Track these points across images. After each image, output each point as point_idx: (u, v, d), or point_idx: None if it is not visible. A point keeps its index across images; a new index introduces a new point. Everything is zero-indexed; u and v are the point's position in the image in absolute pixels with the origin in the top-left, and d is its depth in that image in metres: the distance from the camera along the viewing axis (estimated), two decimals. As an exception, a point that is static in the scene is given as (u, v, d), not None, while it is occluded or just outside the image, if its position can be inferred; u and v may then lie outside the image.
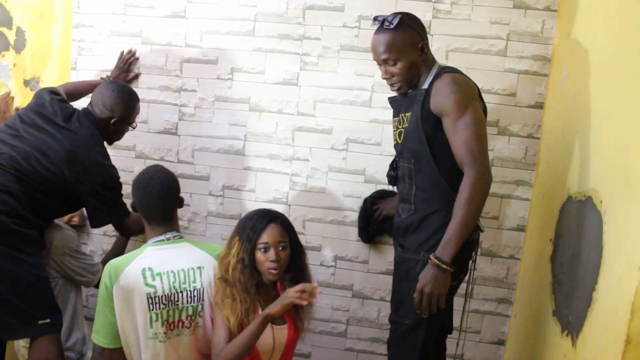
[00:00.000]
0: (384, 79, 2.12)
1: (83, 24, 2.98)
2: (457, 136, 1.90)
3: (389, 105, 2.45)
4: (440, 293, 1.89)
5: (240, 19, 2.82)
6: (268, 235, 2.00)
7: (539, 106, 2.61)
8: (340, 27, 2.74)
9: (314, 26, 2.76)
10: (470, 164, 1.87)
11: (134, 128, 2.61)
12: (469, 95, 1.95)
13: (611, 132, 1.73)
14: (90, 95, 2.54)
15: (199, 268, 2.13)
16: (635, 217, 1.47)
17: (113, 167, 2.44)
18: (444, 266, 1.86)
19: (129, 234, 2.64)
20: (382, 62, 2.07)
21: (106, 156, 2.44)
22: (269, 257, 1.98)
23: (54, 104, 2.38)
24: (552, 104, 2.50)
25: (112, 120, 2.46)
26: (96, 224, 2.49)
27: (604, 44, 1.92)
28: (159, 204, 2.16)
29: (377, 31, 2.06)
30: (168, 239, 2.15)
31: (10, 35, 2.66)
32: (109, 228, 3.04)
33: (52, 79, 2.91)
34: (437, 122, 1.98)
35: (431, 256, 1.89)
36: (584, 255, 1.82)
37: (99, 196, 2.39)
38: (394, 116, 2.25)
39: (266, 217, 2.03)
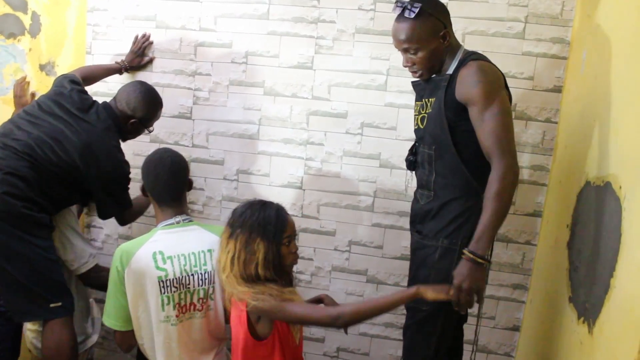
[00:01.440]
0: (405, 66, 2.08)
1: (97, 7, 2.97)
2: (485, 126, 1.87)
3: (404, 89, 2.44)
4: (479, 287, 1.85)
5: (255, 1, 2.79)
6: (289, 226, 1.93)
7: (558, 90, 2.56)
8: (355, 10, 2.70)
9: (329, 9, 2.73)
10: (499, 155, 1.84)
11: (149, 132, 2.64)
12: (496, 85, 1.91)
13: (632, 116, 1.70)
14: (117, 91, 2.54)
15: (209, 251, 2.14)
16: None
17: (127, 162, 2.46)
18: (479, 260, 1.82)
19: (127, 222, 2.67)
20: (403, 51, 2.04)
21: (120, 151, 2.45)
22: (291, 249, 1.93)
23: (73, 94, 2.38)
24: (571, 88, 2.45)
25: (132, 120, 2.49)
26: (104, 216, 2.52)
27: (627, 26, 1.87)
28: (170, 183, 2.17)
29: (398, 18, 2.01)
30: (178, 222, 2.15)
31: (26, 20, 2.65)
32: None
33: (67, 64, 2.91)
34: (461, 110, 1.95)
35: (465, 251, 1.85)
36: (602, 241, 1.79)
37: (109, 190, 2.42)
38: (416, 100, 2.22)
39: (279, 210, 1.95)
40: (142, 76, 2.94)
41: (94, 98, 2.50)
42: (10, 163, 2.18)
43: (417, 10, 1.94)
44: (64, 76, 2.49)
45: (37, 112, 2.33)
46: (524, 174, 2.62)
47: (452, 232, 1.98)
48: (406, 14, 1.96)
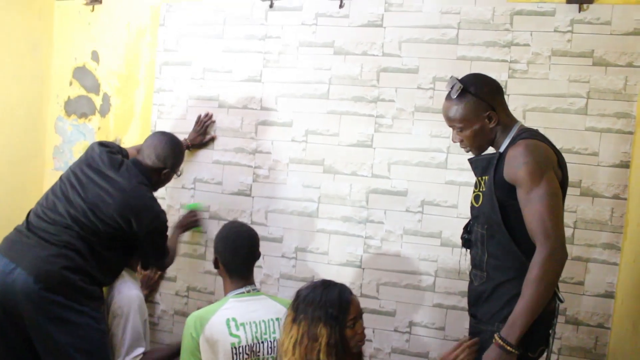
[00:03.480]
0: (454, 142, 2.11)
1: (163, 88, 3.11)
2: (530, 208, 1.82)
3: (464, 166, 2.41)
4: None
5: (315, 82, 2.87)
6: (354, 307, 1.88)
7: (625, 165, 2.50)
8: (414, 89, 2.74)
9: (389, 88, 2.78)
10: (543, 239, 1.78)
11: (179, 176, 2.75)
12: (543, 165, 1.86)
13: None
14: (142, 146, 2.61)
15: (278, 319, 2.17)
16: None
17: (163, 212, 2.51)
18: (508, 347, 1.76)
19: (166, 266, 2.78)
20: (451, 128, 2.07)
21: (156, 201, 2.50)
22: (357, 330, 1.87)
23: (103, 156, 2.44)
24: (639, 162, 2.39)
25: (164, 171, 2.56)
26: (146, 266, 2.64)
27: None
28: (247, 257, 2.25)
29: (447, 97, 2.04)
30: (248, 292, 2.23)
31: (97, 101, 2.80)
32: (181, 288, 3.07)
33: (133, 140, 3.02)
34: (510, 190, 1.90)
35: (495, 336, 1.79)
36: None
37: (152, 240, 2.46)
38: (476, 176, 2.19)
39: (343, 291, 1.91)
40: (204, 154, 3.04)
41: None
42: (63, 237, 2.26)
43: (457, 93, 1.97)
44: (94, 142, 2.56)
45: (73, 180, 2.39)
46: (593, 253, 2.53)
47: (507, 315, 1.89)
48: (451, 94, 1.99)
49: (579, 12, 2.57)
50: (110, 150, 2.50)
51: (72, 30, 3.04)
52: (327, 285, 1.90)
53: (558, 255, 1.78)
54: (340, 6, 2.85)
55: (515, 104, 2.60)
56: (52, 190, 2.42)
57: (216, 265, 2.31)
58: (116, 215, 2.32)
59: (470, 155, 2.18)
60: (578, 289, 2.55)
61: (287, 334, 1.85)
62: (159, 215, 2.47)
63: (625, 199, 2.50)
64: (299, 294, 1.92)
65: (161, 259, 2.61)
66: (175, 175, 2.68)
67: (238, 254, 2.23)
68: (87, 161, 2.44)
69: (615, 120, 2.52)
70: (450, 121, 2.04)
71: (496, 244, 1.96)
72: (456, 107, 1.99)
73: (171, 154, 2.56)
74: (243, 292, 2.21)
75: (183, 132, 3.03)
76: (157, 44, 3.13)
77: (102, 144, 2.52)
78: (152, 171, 2.53)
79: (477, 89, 1.99)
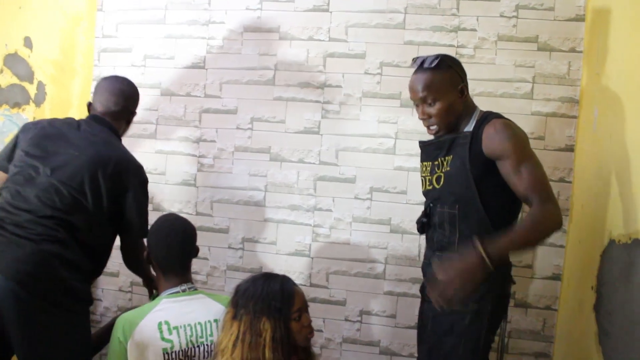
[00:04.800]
0: (421, 119, 2.02)
1: (102, 76, 2.96)
2: (523, 177, 1.80)
3: (413, 152, 2.39)
4: (470, 289, 1.69)
5: (261, 68, 2.80)
6: (298, 299, 1.77)
7: (570, 149, 2.52)
8: (361, 74, 2.71)
9: (335, 73, 2.73)
10: (544, 200, 1.76)
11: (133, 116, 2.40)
12: (526, 141, 1.91)
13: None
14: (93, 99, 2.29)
15: (216, 321, 2.00)
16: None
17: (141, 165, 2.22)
18: (487, 261, 1.68)
19: (134, 258, 2.28)
20: (420, 102, 1.99)
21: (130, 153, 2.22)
22: (303, 323, 1.76)
23: (54, 122, 2.15)
24: (583, 146, 2.41)
25: (129, 114, 2.32)
26: (129, 243, 2.25)
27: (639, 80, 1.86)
28: (181, 253, 2.06)
29: (417, 71, 2.00)
30: (184, 291, 2.02)
31: (31, 90, 2.65)
32: (124, 283, 2.96)
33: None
34: (486, 166, 1.88)
35: (477, 243, 1.70)
36: (636, 301, 1.69)
37: (136, 199, 2.15)
38: (423, 160, 2.15)
39: (285, 282, 1.80)
40: (146, 143, 2.94)
41: None
42: (39, 230, 1.94)
43: (437, 61, 1.93)
44: (25, 123, 2.22)
45: (30, 160, 2.04)
46: (541, 236, 2.54)
47: (481, 295, 1.87)
48: (426, 64, 1.95)
49: (523, -3, 2.58)
50: (52, 119, 2.21)
51: (2, 15, 2.88)
52: (268, 277, 1.80)
53: (557, 221, 1.75)
54: (285, -9, 2.79)
55: (462, 89, 2.59)
56: (11, 179, 2.04)
57: (149, 261, 2.13)
58: (89, 177, 2.01)
59: (423, 139, 2.15)
60: (527, 272, 2.57)
61: (226, 332, 1.72)
62: (140, 168, 2.19)
63: (570, 182, 2.53)
64: (238, 288, 1.79)
65: (145, 225, 2.21)
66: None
67: (171, 250, 2.04)
68: (37, 135, 2.09)
69: (559, 105, 2.55)
70: (424, 91, 1.95)
71: (470, 223, 1.93)
72: (433, 76, 1.94)
73: (132, 90, 2.32)
74: (178, 292, 2.02)
75: (124, 121, 2.93)
76: (95, 29, 3.00)
77: (36, 121, 2.19)
78: (115, 119, 2.23)
79: (452, 62, 2.00)
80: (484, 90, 2.57)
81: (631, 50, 1.98)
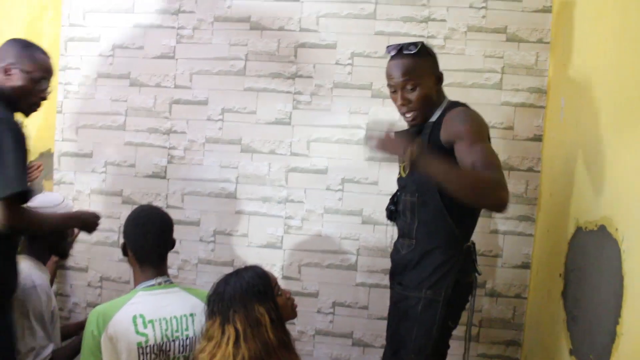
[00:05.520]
0: (400, 105, 1.99)
1: (69, 66, 2.92)
2: (475, 155, 1.77)
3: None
4: (390, 152, 1.82)
5: (232, 58, 2.77)
6: (272, 277, 1.81)
7: (538, 139, 2.55)
8: (333, 65, 2.70)
9: (306, 64, 2.72)
10: (495, 173, 1.75)
11: (48, 93, 2.14)
12: (484, 128, 1.91)
13: (622, 156, 1.67)
14: None
15: (192, 315, 1.97)
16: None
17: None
18: (414, 158, 1.72)
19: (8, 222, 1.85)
20: (400, 88, 1.96)
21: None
22: (285, 295, 1.82)
23: None
24: (551, 135, 2.44)
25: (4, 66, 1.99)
26: None
27: (604, 70, 1.88)
28: (159, 243, 2.02)
29: (396, 56, 1.98)
30: (159, 284, 1.99)
31: (-7, 79, 2.58)
32: (93, 278, 2.91)
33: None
34: (445, 155, 1.86)
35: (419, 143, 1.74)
36: (603, 287, 1.71)
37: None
38: None
39: (253, 267, 1.80)
40: (115, 135, 2.89)
41: None
42: None
43: (418, 47, 1.93)
44: None
45: None
46: (510, 226, 2.57)
47: (435, 282, 1.91)
48: (407, 50, 1.94)
49: (493, -12, 2.60)
50: None
51: (-36, 4, 2.82)
52: (235, 273, 1.78)
53: (504, 190, 1.71)
54: (256, -20, 2.76)
55: (432, 80, 2.60)
56: None
57: (125, 252, 2.07)
58: None
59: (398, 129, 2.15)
60: (496, 262, 2.59)
61: (222, 342, 1.66)
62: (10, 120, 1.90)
63: (538, 171, 2.55)
64: (212, 298, 1.74)
65: (17, 179, 1.83)
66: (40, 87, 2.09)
67: (149, 240, 2.00)
68: None
69: (528, 95, 2.57)
70: (405, 76, 1.93)
71: (428, 211, 1.96)
72: (415, 62, 1.94)
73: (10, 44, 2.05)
74: (154, 285, 1.98)
75: (93, 112, 2.89)
76: (62, 18, 2.94)
77: None
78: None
79: (430, 50, 2.02)
80: (454, 81, 2.58)
81: (595, 40, 2.01)
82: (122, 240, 2.06)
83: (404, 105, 1.97)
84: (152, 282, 1.99)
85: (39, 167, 2.45)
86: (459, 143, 1.84)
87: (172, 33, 2.84)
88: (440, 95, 2.03)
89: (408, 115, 2.00)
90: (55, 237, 2.30)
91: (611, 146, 1.77)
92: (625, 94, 1.69)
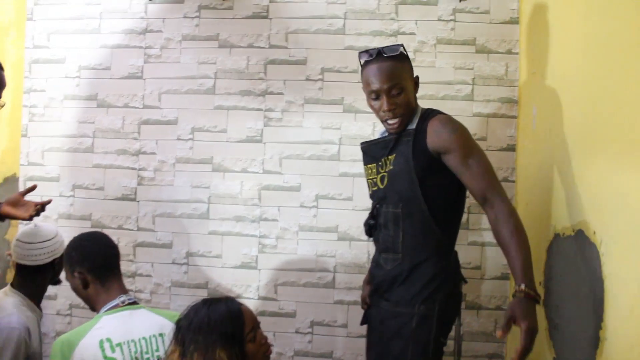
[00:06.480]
0: (386, 111, 1.88)
1: (34, 88, 2.86)
2: (473, 171, 1.79)
3: (357, 157, 2.35)
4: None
5: (200, 77, 2.73)
6: (248, 318, 1.62)
7: (511, 148, 2.55)
8: (303, 81, 2.68)
9: (277, 80, 2.69)
10: (498, 193, 1.77)
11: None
12: (471, 137, 1.89)
13: (595, 159, 1.66)
14: None
15: (161, 335, 1.90)
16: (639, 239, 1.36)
17: None
18: (537, 297, 1.66)
19: None
20: (385, 92, 1.87)
21: None
22: (260, 340, 1.63)
23: None
24: (524, 144, 2.44)
25: None
26: None
27: (571, 77, 1.89)
28: (108, 252, 1.96)
29: (377, 60, 1.89)
30: (123, 303, 1.91)
31: (-44, 104, 2.50)
32: (63, 306, 2.81)
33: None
34: (431, 162, 1.85)
35: (523, 288, 1.64)
36: (583, 292, 1.69)
37: None
38: (367, 163, 2.10)
39: (230, 303, 1.63)
40: (83, 157, 2.81)
41: None
42: None
43: (400, 49, 1.90)
44: None
45: None
46: (489, 237, 2.54)
47: (428, 296, 1.83)
48: (389, 52, 1.88)
49: (460, 1, 2.62)
50: None
51: None
52: (210, 304, 1.62)
53: (515, 210, 1.79)
54: (224, -2, 2.74)
55: (404, 92, 2.59)
56: None
57: (85, 283, 1.93)
58: None
59: (364, 140, 2.13)
60: (476, 274, 2.57)
61: None
62: None
63: (513, 181, 2.55)
64: (180, 324, 1.60)
65: None
66: None
67: (100, 251, 1.95)
68: None
69: (499, 105, 2.58)
70: (392, 80, 1.86)
71: (413, 222, 1.89)
72: (401, 65, 1.90)
73: None
74: (117, 305, 1.89)
75: (59, 135, 2.81)
76: (25, 40, 2.87)
77: None
78: None
79: (407, 54, 1.97)
80: (426, 93, 2.57)
81: (562, 48, 2.03)
82: (72, 276, 1.93)
83: (390, 110, 1.88)
84: (115, 301, 1.90)
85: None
86: (451, 155, 1.82)
87: (139, 53, 2.79)
88: (416, 101, 1.99)
89: (392, 121, 1.91)
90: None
91: (583, 150, 1.77)
92: (593, 98, 1.70)
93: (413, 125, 1.92)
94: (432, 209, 1.86)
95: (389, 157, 1.95)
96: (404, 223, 1.91)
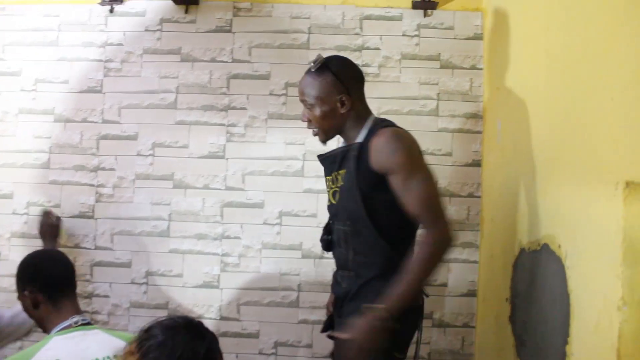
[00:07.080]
0: (303, 121, 1.93)
1: None
2: (412, 194, 1.72)
3: (321, 173, 2.30)
4: (377, 349, 1.67)
5: (162, 91, 2.67)
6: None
7: (477, 164, 2.54)
8: (267, 96, 2.64)
9: (240, 95, 2.65)
10: (432, 221, 1.72)
11: None
12: (416, 151, 1.80)
13: (559, 172, 1.65)
14: None
15: (115, 357, 1.80)
16: (604, 252, 1.33)
17: None
18: (386, 322, 1.65)
19: None
20: (302, 103, 1.91)
21: None
22: None
23: None
24: (489, 159, 2.44)
25: None
26: None
27: (535, 91, 1.90)
28: (62, 271, 1.86)
29: (307, 71, 1.90)
30: (76, 323, 1.81)
31: None
32: (137, 275, 2.69)
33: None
34: (376, 180, 1.78)
35: (380, 306, 1.66)
36: (549, 306, 1.67)
37: None
38: (325, 175, 2.06)
39: (194, 332, 1.25)
40: (38, 173, 2.70)
41: None
42: None
43: (319, 66, 1.85)
44: None
45: None
46: (454, 253, 2.51)
47: None
48: (313, 67, 1.86)
49: (424, 17, 2.62)
50: None
51: None
52: (190, 333, 1.25)
53: (448, 236, 1.73)
54: (186, 12, 2.69)
55: (370, 107, 2.55)
56: None
57: (35, 303, 1.81)
58: None
59: (322, 151, 2.07)
60: (442, 291, 2.53)
61: None
62: None
63: (479, 196, 2.53)
64: (149, 348, 1.20)
65: None
66: None
67: (62, 275, 1.86)
68: None
69: (465, 121, 2.57)
70: (302, 95, 1.88)
71: (362, 240, 1.84)
72: (313, 81, 1.85)
73: None
74: (70, 326, 1.78)
75: (13, 150, 2.70)
76: (-22, 52, 2.78)
77: None
78: None
79: (338, 69, 1.87)
80: (391, 109, 2.55)
81: (525, 63, 2.04)
82: (24, 292, 1.82)
83: (305, 121, 1.92)
84: (68, 322, 1.79)
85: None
86: (393, 177, 1.75)
87: (99, 66, 2.71)
88: (361, 115, 1.90)
89: (313, 132, 1.94)
90: None
91: (548, 164, 1.76)
92: (556, 113, 1.70)
93: (360, 139, 1.85)
94: (379, 227, 1.80)
95: (340, 172, 1.90)
96: (353, 241, 1.86)
